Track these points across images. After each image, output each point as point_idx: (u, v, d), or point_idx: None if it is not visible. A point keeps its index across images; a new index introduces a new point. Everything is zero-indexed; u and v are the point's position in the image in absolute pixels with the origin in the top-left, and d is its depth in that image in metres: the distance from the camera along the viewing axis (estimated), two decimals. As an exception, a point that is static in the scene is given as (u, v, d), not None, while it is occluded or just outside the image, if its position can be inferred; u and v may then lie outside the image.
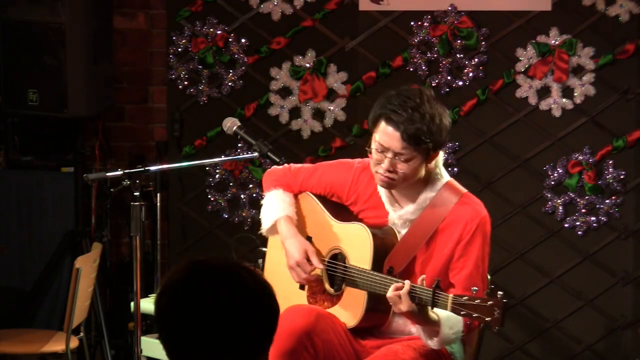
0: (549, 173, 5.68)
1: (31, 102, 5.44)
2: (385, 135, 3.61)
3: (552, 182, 5.68)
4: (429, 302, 3.42)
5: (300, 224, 3.93)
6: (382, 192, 3.78)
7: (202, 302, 2.20)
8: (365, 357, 3.73)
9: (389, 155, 3.61)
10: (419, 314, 3.49)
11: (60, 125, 5.97)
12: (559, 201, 5.68)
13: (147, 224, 5.85)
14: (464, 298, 3.36)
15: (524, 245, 5.74)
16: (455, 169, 5.74)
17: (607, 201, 5.66)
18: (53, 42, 5.36)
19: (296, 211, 3.94)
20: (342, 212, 3.86)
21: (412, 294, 3.45)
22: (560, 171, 5.67)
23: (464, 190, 3.77)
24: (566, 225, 5.70)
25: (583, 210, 5.67)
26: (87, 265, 5.08)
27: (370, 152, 3.68)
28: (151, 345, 4.75)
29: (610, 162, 5.64)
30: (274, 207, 3.93)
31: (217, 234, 5.94)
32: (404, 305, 3.46)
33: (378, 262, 3.68)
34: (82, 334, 5.21)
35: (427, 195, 3.71)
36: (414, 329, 3.72)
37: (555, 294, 5.74)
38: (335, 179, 3.88)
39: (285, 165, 3.99)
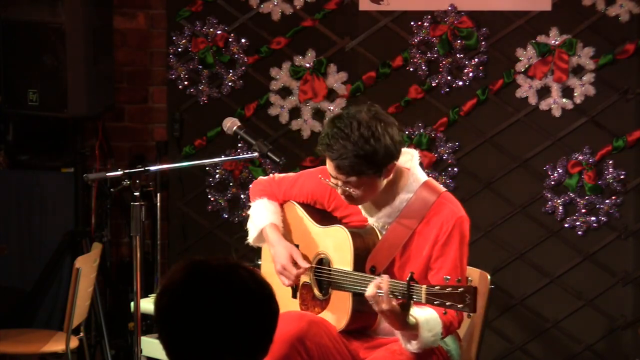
0: (549, 173, 5.68)
1: (31, 102, 5.44)
2: (329, 165, 3.66)
3: (552, 182, 5.68)
4: (405, 295, 3.43)
5: (286, 233, 3.96)
6: None
7: (202, 302, 2.20)
8: (361, 358, 3.74)
9: (340, 183, 3.65)
10: (399, 315, 3.48)
11: (60, 125, 5.97)
12: (559, 201, 5.68)
13: (147, 224, 5.85)
14: (436, 288, 3.39)
15: (524, 245, 5.74)
16: (455, 169, 5.74)
17: (607, 201, 5.66)
18: (53, 42, 5.36)
19: (282, 220, 3.97)
20: (325, 217, 3.89)
21: (390, 290, 3.47)
22: (560, 171, 5.67)
23: (442, 189, 3.77)
24: (566, 225, 5.70)
25: (583, 210, 5.67)
26: (87, 265, 5.08)
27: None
28: (151, 345, 4.75)
29: (610, 162, 5.64)
30: (260, 216, 3.96)
31: (217, 234, 5.94)
32: (386, 303, 3.46)
33: (360, 262, 3.70)
34: (82, 334, 5.21)
35: (403, 197, 3.72)
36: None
37: (555, 294, 5.74)
38: (315, 187, 3.90)
39: (270, 175, 4.06)
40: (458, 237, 3.68)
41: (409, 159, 3.78)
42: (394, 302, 3.45)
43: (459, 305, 3.35)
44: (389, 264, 3.69)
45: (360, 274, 3.66)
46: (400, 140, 3.63)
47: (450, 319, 3.59)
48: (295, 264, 3.81)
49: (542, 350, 5.78)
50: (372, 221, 3.78)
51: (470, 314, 3.40)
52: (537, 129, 5.69)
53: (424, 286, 3.41)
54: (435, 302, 3.38)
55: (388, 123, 3.62)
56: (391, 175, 3.69)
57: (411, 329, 3.55)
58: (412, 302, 3.46)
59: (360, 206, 3.79)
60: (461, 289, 3.35)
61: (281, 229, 3.94)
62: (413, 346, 3.59)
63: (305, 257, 3.88)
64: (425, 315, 3.53)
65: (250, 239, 4.01)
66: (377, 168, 3.59)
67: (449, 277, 3.42)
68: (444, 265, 3.65)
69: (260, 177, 4.09)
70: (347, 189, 3.62)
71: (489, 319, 5.43)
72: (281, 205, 4.00)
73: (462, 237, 3.69)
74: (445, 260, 3.66)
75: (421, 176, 3.76)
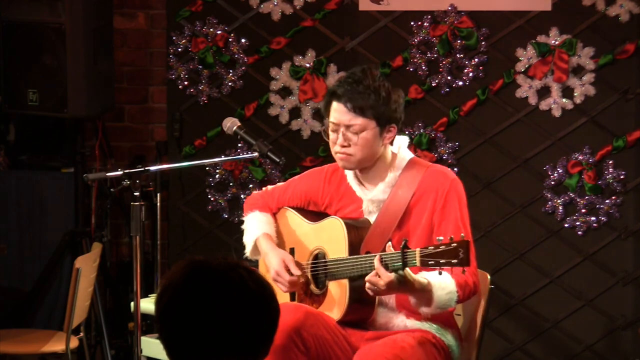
0: (549, 173, 5.68)
1: (31, 102, 5.44)
2: (334, 112, 3.74)
3: (552, 182, 5.68)
4: (399, 265, 3.45)
5: (281, 239, 4.01)
6: (352, 180, 3.86)
7: (202, 302, 2.20)
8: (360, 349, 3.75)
9: (342, 129, 3.72)
10: (404, 283, 3.50)
11: (60, 125, 5.97)
12: (559, 201, 5.68)
13: (147, 224, 5.84)
14: (430, 248, 3.41)
15: (524, 245, 5.74)
16: (455, 169, 5.73)
17: (607, 201, 5.66)
18: (53, 42, 5.36)
19: (276, 227, 4.03)
20: (319, 216, 3.93)
21: (384, 263, 3.49)
22: (560, 171, 5.67)
23: (429, 163, 3.85)
24: (566, 225, 5.70)
25: (583, 210, 5.67)
26: (87, 265, 5.08)
27: (328, 137, 3.79)
28: (151, 345, 4.75)
29: (610, 162, 5.64)
30: (252, 228, 4.04)
31: (217, 234, 5.94)
32: (383, 279, 3.48)
33: (354, 248, 3.73)
34: (82, 334, 5.21)
35: (393, 175, 3.80)
36: (399, 320, 3.74)
37: (555, 294, 5.74)
38: (307, 187, 3.98)
39: (263, 189, 4.15)
40: (455, 199, 3.75)
41: (398, 144, 3.86)
42: (391, 276, 3.47)
43: (453, 261, 3.36)
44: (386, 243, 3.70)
45: (354, 257, 3.69)
46: (401, 106, 3.76)
47: (465, 278, 3.58)
48: (288, 270, 3.84)
49: (542, 350, 5.78)
50: (366, 201, 3.81)
51: (465, 268, 3.40)
52: (537, 129, 5.69)
53: (417, 249, 3.43)
54: (430, 263, 3.40)
55: (397, 89, 3.80)
56: (385, 151, 3.75)
57: (423, 291, 3.56)
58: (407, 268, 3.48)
59: (355, 186, 3.83)
60: (454, 245, 3.36)
61: (274, 237, 4.00)
62: (430, 308, 3.61)
63: (301, 257, 3.89)
64: (437, 276, 3.53)
65: (247, 252, 4.07)
66: (381, 118, 3.70)
67: (441, 238, 3.44)
68: (447, 228, 3.67)
69: (254, 193, 4.19)
70: (348, 133, 3.69)
71: (489, 319, 5.43)
72: (275, 214, 4.06)
73: (459, 198, 3.77)
74: (447, 224, 3.70)
75: (407, 155, 3.85)
